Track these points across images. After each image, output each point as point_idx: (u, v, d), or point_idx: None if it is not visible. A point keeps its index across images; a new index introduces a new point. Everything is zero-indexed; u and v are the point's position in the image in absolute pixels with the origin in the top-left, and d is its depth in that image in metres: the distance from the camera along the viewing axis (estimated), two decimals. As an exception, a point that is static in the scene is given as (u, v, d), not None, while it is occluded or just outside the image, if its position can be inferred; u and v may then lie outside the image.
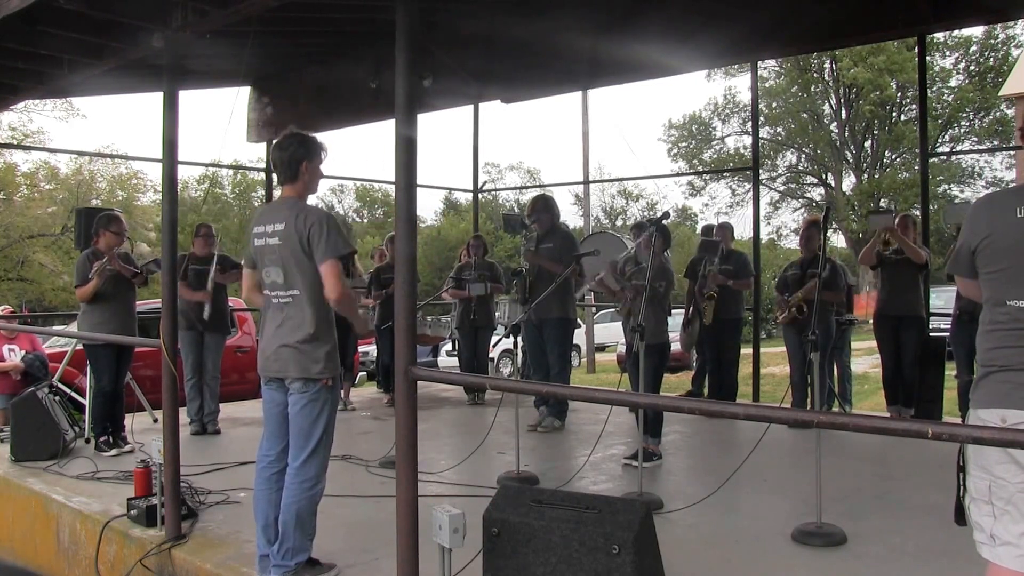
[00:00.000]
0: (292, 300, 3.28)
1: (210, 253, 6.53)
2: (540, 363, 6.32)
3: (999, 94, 25.27)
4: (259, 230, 3.36)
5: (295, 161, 3.32)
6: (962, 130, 30.00)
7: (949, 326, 6.50)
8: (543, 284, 5.88)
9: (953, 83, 29.60)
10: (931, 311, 6.92)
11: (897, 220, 6.54)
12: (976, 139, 29.44)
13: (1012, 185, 2.25)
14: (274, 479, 3.35)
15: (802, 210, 32.57)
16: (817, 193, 33.59)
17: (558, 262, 6.04)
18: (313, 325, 3.24)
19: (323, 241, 3.18)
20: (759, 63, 12.09)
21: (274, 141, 3.52)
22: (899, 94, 30.00)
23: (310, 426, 3.26)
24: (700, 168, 34.70)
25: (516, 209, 40.10)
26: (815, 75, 30.98)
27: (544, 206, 6.45)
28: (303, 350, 3.24)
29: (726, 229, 7.46)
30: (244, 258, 3.54)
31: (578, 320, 8.38)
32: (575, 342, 13.47)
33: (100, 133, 55.38)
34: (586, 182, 24.79)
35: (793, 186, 34.45)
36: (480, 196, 11.16)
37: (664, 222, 5.19)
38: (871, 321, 6.98)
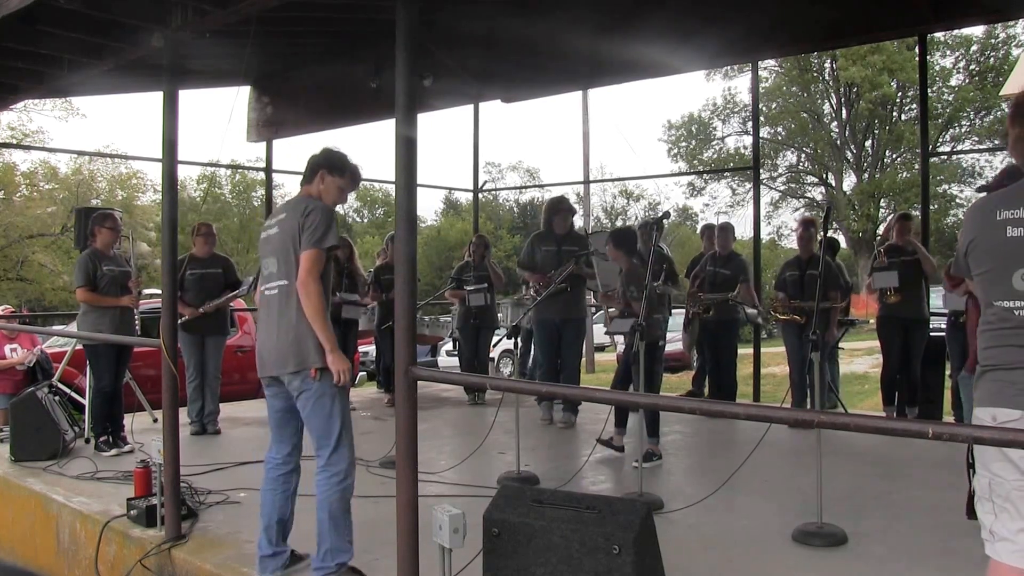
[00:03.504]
0: (279, 290, 3.24)
1: (212, 254, 6.52)
2: (553, 361, 6.40)
3: (1000, 93, 25.23)
4: (267, 223, 3.41)
5: (316, 167, 3.37)
6: (963, 130, 29.97)
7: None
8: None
9: (953, 82, 29.57)
10: (931, 311, 6.93)
11: (896, 224, 6.56)
12: (977, 139, 29.41)
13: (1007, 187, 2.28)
14: (281, 480, 3.33)
15: (802, 209, 32.56)
16: (818, 192, 33.59)
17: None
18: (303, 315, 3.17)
19: (311, 229, 3.16)
20: (759, 63, 12.09)
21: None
22: (899, 93, 29.99)
23: (326, 422, 3.19)
24: (700, 168, 34.69)
25: (515, 209, 40.11)
26: (815, 74, 30.97)
27: (564, 207, 6.79)
28: (296, 340, 3.17)
29: (727, 231, 7.43)
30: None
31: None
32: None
33: (100, 133, 55.42)
34: (586, 182, 24.80)
35: (793, 186, 34.44)
36: (480, 196, 11.15)
37: (665, 221, 5.38)
38: (871, 321, 6.98)
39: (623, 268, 5.35)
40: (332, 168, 3.37)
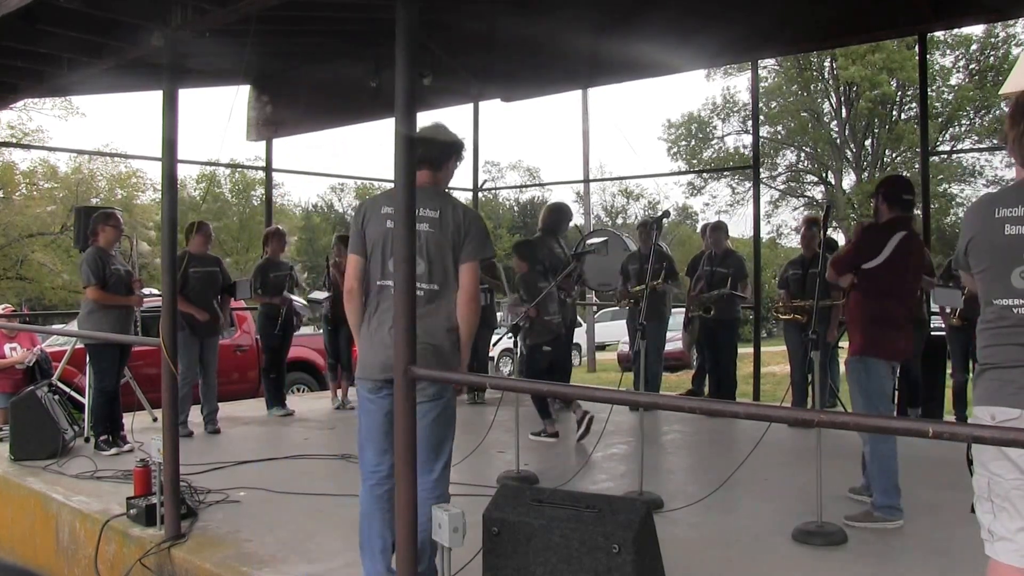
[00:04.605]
0: (424, 293, 2.93)
1: (207, 253, 6.52)
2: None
3: (999, 92, 25.21)
4: (389, 211, 2.94)
5: (452, 150, 3.13)
6: (962, 129, 29.96)
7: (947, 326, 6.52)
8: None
9: (953, 81, 29.56)
10: (931, 311, 6.92)
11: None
12: (976, 138, 29.41)
13: (1007, 185, 2.30)
14: (387, 496, 3.01)
15: (802, 208, 32.55)
16: (818, 191, 33.58)
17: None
18: (453, 322, 2.98)
19: (475, 240, 2.98)
20: (759, 62, 12.09)
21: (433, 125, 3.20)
22: (899, 93, 29.98)
23: (441, 440, 2.98)
24: (700, 167, 34.66)
25: (515, 208, 40.07)
26: (815, 74, 30.96)
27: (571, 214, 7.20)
28: (443, 349, 2.95)
29: (720, 229, 7.40)
30: (352, 244, 3.13)
31: (578, 319, 8.46)
32: (575, 340, 13.51)
33: (99, 131, 55.25)
34: (586, 181, 24.79)
35: (793, 185, 34.43)
36: (480, 195, 11.15)
37: (664, 220, 5.50)
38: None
39: (521, 272, 5.90)
40: (460, 155, 3.19)
